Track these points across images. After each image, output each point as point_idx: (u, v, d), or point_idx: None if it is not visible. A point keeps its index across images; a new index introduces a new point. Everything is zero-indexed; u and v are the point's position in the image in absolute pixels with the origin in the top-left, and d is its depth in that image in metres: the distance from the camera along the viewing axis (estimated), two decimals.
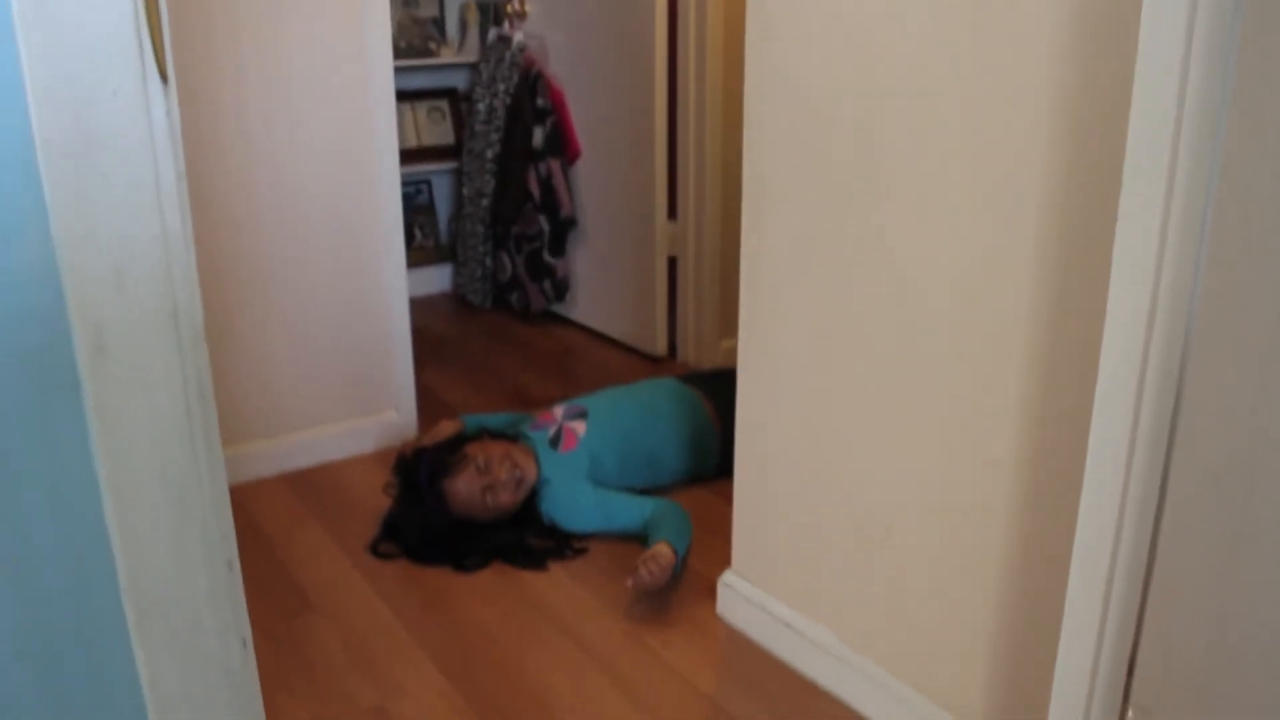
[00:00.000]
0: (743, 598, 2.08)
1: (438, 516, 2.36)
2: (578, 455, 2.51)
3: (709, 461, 2.70)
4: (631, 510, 2.42)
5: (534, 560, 2.36)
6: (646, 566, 2.12)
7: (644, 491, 2.58)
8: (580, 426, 2.56)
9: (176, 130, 0.85)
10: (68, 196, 0.82)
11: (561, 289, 3.91)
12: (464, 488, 2.35)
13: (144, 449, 0.91)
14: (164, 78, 0.82)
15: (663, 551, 2.16)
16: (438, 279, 4.39)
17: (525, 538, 2.41)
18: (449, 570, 2.33)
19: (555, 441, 2.53)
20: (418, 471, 2.39)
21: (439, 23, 4.10)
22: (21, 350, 0.86)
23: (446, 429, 2.67)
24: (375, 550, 2.41)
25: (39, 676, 0.98)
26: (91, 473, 0.90)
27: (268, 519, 2.55)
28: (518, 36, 3.79)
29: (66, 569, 0.94)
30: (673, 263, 3.53)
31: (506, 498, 2.38)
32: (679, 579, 2.28)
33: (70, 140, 0.81)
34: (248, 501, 2.63)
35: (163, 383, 0.89)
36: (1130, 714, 1.14)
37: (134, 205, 0.84)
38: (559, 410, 2.62)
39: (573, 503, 2.45)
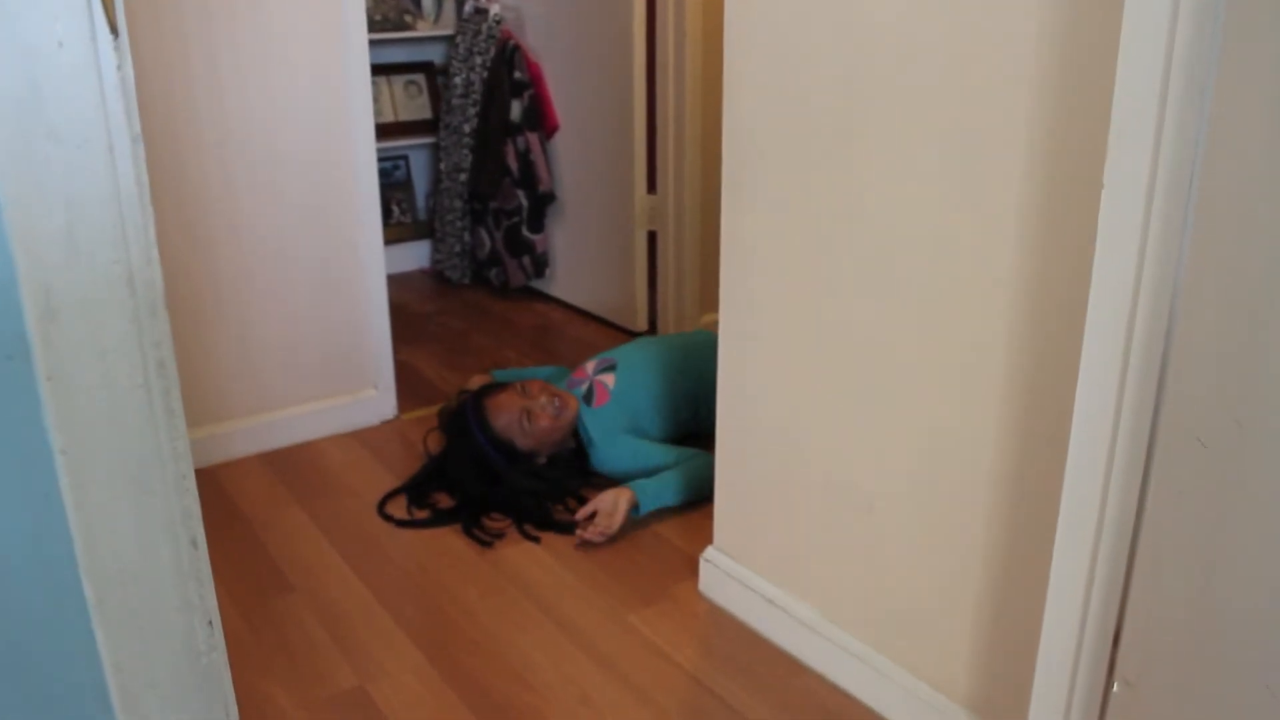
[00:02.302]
0: (725, 573, 2.06)
1: (480, 437, 2.44)
2: (610, 409, 2.56)
3: None
4: (660, 458, 2.50)
5: (551, 525, 2.38)
6: (587, 531, 2.28)
7: (690, 434, 2.62)
8: (609, 379, 2.60)
9: (130, 88, 0.82)
10: (14, 151, 0.78)
11: (541, 264, 3.87)
12: (504, 405, 2.46)
13: (101, 421, 0.87)
14: (114, 31, 0.78)
15: (616, 508, 2.29)
16: (416, 255, 4.35)
17: (552, 500, 2.45)
18: (438, 547, 2.31)
19: (589, 398, 2.58)
20: (463, 404, 2.52)
21: None
22: None
23: (476, 382, 2.81)
24: (383, 511, 2.45)
25: None
26: (45, 445, 0.87)
27: (245, 498, 2.52)
28: (494, 9, 3.73)
29: (20, 546, 0.90)
30: (652, 237, 3.50)
31: (545, 422, 2.45)
32: (642, 520, 2.39)
33: (15, 93, 0.77)
34: (225, 481, 2.59)
35: (119, 350, 0.85)
36: (1116, 686, 1.13)
37: (85, 164, 0.80)
38: (590, 366, 2.68)
39: (614, 456, 2.52)
